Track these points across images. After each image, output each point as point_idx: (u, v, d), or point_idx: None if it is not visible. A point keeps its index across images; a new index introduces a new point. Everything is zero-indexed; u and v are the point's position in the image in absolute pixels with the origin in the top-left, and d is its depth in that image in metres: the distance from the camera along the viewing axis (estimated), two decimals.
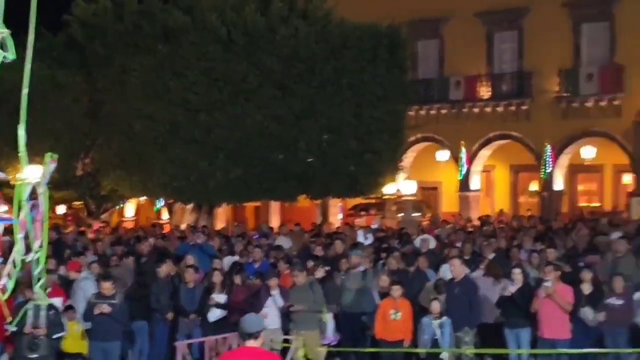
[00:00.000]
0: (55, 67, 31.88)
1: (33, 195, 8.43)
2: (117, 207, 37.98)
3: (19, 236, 8.28)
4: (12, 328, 14.18)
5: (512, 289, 15.72)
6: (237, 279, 17.50)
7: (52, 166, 8.62)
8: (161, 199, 38.58)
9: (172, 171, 29.87)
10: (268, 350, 15.86)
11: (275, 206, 40.21)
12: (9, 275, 8.43)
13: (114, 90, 30.97)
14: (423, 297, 16.98)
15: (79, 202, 36.94)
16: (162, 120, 29.68)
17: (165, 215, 40.44)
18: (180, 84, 29.39)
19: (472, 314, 15.86)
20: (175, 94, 29.47)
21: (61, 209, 39.56)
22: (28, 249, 8.45)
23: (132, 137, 30.45)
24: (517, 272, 15.95)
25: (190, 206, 33.52)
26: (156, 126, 29.83)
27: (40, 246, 8.46)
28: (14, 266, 8.36)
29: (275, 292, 16.61)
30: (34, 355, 14.12)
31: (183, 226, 30.42)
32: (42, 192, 8.42)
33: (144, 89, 29.92)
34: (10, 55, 7.90)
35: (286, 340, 16.28)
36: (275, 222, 37.40)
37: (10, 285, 8.46)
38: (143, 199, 38.77)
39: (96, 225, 31.22)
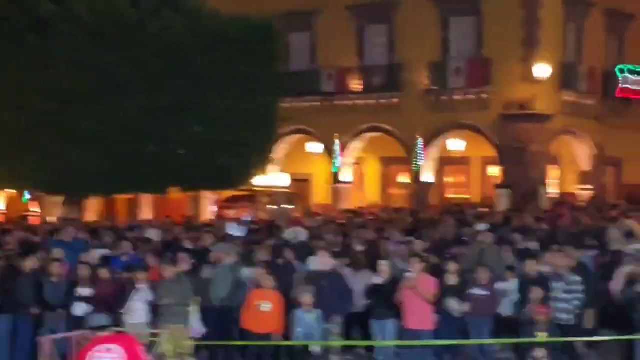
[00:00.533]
0: None
1: None
2: None
3: None
4: None
5: (377, 280, 15.91)
6: (104, 273, 17.33)
7: None
8: (28, 192, 37.84)
9: (41, 162, 29.31)
10: None
11: (147, 199, 39.91)
12: None
13: None
14: (296, 289, 17.06)
15: None
16: (33, 111, 29.07)
17: (34, 207, 39.71)
18: (50, 75, 28.84)
19: (340, 306, 16.02)
20: (46, 85, 28.91)
21: None
22: None
23: (1, 128, 29.76)
24: (383, 264, 16.17)
25: (60, 199, 32.95)
26: (24, 116, 29.21)
27: None
28: None
29: (143, 286, 16.48)
30: None
31: (53, 219, 29.88)
32: None
33: (13, 79, 29.27)
34: None
35: (154, 335, 16.15)
36: (147, 214, 37.11)
37: None
38: (12, 191, 38.00)
39: None
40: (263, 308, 15.88)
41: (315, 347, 15.75)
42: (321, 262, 16.62)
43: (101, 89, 28.89)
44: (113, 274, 17.64)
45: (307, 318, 15.66)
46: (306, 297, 15.83)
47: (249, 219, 28.86)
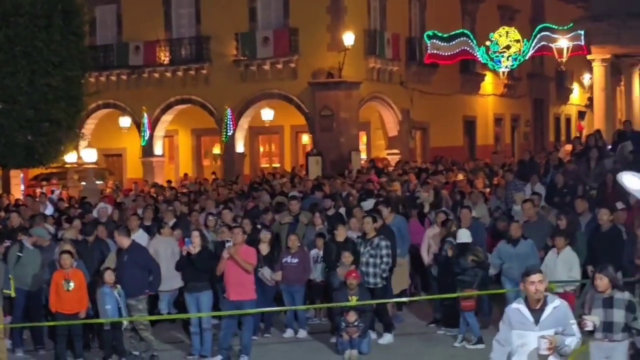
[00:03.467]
0: None
1: None
2: None
3: None
4: None
5: (190, 248, 15.79)
6: None
7: None
8: None
9: None
10: None
11: None
12: None
13: None
14: (103, 266, 16.75)
15: None
16: None
17: None
18: None
19: (144, 281, 15.85)
20: None
21: None
22: None
23: None
24: (195, 235, 16.09)
25: None
26: None
27: None
28: None
29: None
30: None
31: None
32: None
33: None
34: None
35: None
36: None
37: None
38: None
39: None
40: (66, 287, 15.55)
41: (125, 323, 15.57)
42: (118, 240, 16.29)
43: None
44: None
45: (112, 294, 15.45)
46: (108, 275, 15.60)
47: (56, 196, 28.13)
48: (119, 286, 15.50)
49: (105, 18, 40.85)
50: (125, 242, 16.04)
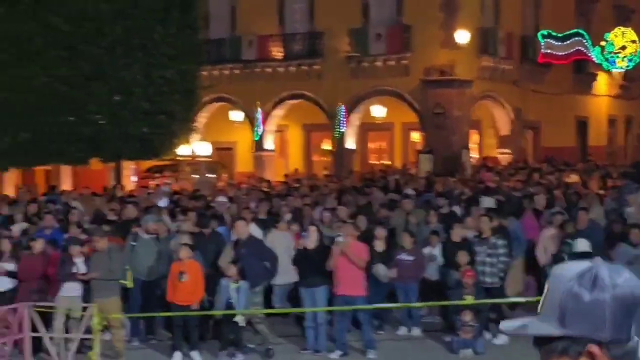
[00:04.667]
0: None
1: None
2: None
3: None
4: None
5: (308, 244, 15.80)
6: (32, 247, 16.88)
7: None
8: None
9: None
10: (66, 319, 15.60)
11: (66, 170, 39.29)
12: None
13: None
14: (221, 259, 16.89)
15: None
16: None
17: None
18: None
19: (261, 273, 15.90)
20: None
21: None
22: None
23: None
24: (312, 230, 16.10)
25: None
26: None
27: None
28: None
29: (79, 260, 16.11)
30: None
31: None
32: None
33: None
34: None
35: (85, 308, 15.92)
36: (67, 185, 36.57)
37: None
38: None
39: None
40: (181, 278, 15.68)
41: (239, 318, 15.63)
42: (237, 231, 16.39)
43: (16, 58, 28.35)
44: (41, 248, 17.10)
45: (231, 287, 15.53)
46: (230, 268, 15.69)
47: (168, 188, 28.39)
48: (241, 281, 15.53)
49: (218, 12, 41.20)
50: (246, 232, 16.15)
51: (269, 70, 39.94)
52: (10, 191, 32.70)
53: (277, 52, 39.71)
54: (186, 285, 15.76)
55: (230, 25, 41.17)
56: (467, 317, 15.49)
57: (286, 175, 34.31)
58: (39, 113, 28.47)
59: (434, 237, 17.92)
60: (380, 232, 17.56)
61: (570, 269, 2.31)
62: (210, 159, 37.71)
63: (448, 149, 35.70)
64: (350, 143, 39.07)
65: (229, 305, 15.53)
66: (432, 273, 17.61)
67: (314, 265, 15.73)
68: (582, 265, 2.29)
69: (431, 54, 36.43)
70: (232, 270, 15.60)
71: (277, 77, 39.83)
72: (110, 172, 38.40)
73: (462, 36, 35.77)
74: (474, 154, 38.32)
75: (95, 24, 28.88)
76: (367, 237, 17.01)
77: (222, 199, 23.34)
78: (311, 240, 15.79)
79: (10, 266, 16.72)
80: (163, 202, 24.25)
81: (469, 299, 15.69)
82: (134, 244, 17.46)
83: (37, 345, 16.33)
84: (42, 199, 25.72)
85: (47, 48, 28.53)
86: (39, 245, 16.81)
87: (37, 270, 16.42)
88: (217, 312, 15.78)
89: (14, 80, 28.23)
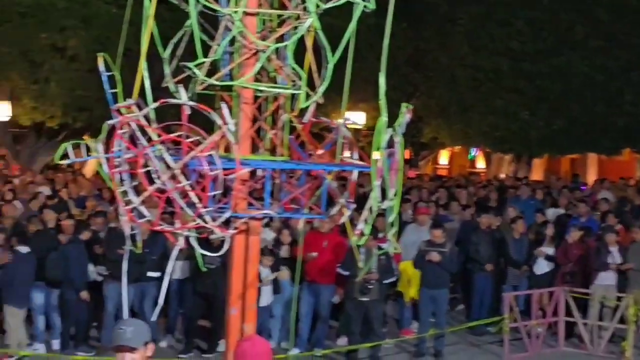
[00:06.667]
0: (379, 17, 32.11)
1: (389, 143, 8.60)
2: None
3: (375, 183, 8.44)
4: (345, 272, 14.78)
5: None
6: (571, 234, 17.13)
7: (408, 116, 8.75)
8: (474, 148, 38.62)
9: (493, 121, 29.82)
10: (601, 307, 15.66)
11: (592, 159, 39.24)
12: (365, 221, 8.67)
13: (437, 39, 31.09)
14: None
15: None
16: (485, 69, 29.64)
17: (479, 164, 40.49)
18: (505, 33, 29.19)
19: None
20: (499, 43, 29.32)
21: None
22: (383, 197, 8.60)
23: (454, 86, 30.57)
24: None
25: (508, 156, 33.39)
26: (479, 75, 29.84)
27: (395, 194, 8.61)
28: (370, 212, 8.57)
29: (614, 249, 16.19)
30: (365, 299, 14.64)
31: (502, 176, 30.30)
32: (398, 141, 8.57)
33: (468, 37, 29.95)
34: (371, 5, 8.26)
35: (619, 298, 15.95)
36: (591, 175, 36.59)
37: (367, 231, 8.72)
38: (457, 147, 38.93)
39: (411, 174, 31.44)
40: None
41: None
42: None
43: (554, 47, 28.80)
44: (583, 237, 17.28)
45: None
46: None
47: None
48: None
49: None
50: None
51: None
52: (537, 177, 33.39)
53: None
54: None
55: None
56: None
57: None
58: (574, 102, 28.73)
59: None
60: None
61: None
62: None
63: None
64: None
65: None
66: None
67: None
68: None
69: None
70: None
71: None
72: (636, 163, 37.83)
73: None
74: None
75: (637, 14, 28.50)
76: None
77: None
78: None
79: (550, 250, 17.17)
80: None
81: None
82: None
83: (570, 330, 16.63)
84: (577, 187, 25.96)
85: (586, 38, 28.67)
86: (575, 234, 17.07)
87: (574, 256, 16.69)
88: None
89: (552, 69, 28.71)
